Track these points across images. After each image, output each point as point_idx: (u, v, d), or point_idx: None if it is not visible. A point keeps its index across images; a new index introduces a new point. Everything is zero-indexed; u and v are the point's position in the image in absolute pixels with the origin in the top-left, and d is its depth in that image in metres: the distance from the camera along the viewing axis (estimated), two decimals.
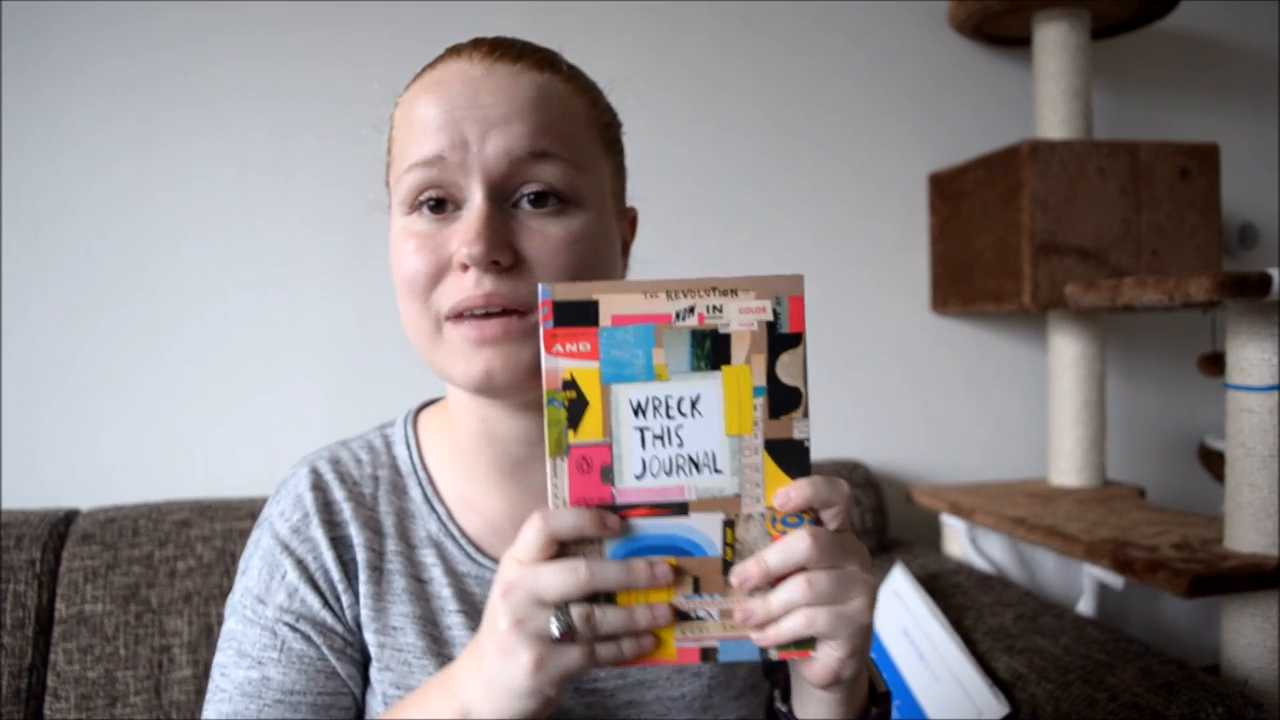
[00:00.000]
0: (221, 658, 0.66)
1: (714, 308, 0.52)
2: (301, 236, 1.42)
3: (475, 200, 0.59)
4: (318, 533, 0.66)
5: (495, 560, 0.68)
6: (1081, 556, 1.19)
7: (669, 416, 0.52)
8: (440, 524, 0.69)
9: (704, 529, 0.52)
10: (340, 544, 0.66)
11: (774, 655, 0.52)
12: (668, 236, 1.57)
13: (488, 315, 0.59)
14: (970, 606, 1.23)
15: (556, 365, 0.52)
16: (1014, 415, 1.69)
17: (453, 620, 0.66)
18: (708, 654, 0.52)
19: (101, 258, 1.37)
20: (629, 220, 0.71)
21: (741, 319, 0.52)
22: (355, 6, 1.44)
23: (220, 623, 1.11)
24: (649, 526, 0.52)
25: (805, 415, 0.52)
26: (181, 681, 1.09)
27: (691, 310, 0.52)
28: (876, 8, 1.63)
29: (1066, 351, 1.51)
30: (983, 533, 1.44)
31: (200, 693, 1.08)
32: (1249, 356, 1.09)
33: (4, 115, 1.34)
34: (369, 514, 0.68)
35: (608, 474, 0.52)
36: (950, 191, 1.59)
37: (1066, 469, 1.52)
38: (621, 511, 0.52)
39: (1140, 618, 1.39)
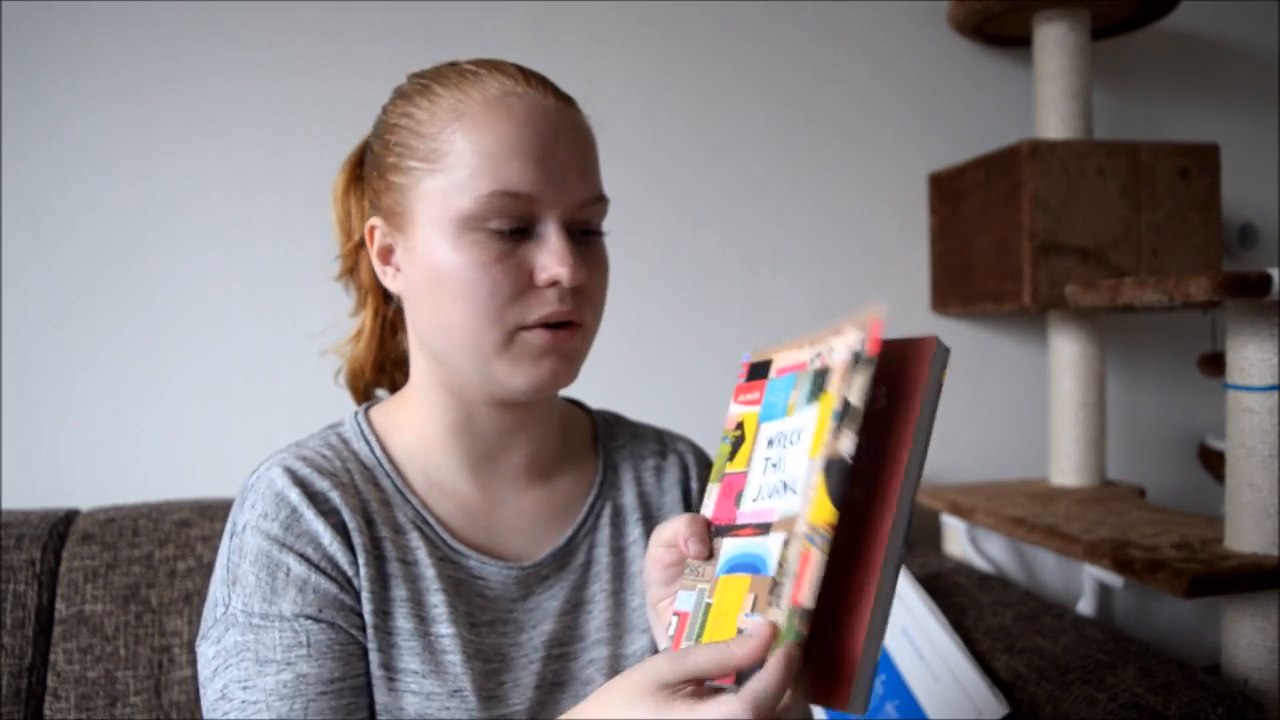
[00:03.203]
0: (236, 674, 0.63)
1: (830, 349, 0.56)
2: (302, 235, 1.42)
3: (555, 228, 0.66)
4: (315, 524, 0.66)
5: (471, 547, 0.72)
6: (1081, 556, 1.19)
7: (784, 446, 0.56)
8: (416, 512, 0.71)
9: (771, 547, 0.54)
10: (338, 530, 0.67)
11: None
12: (669, 236, 1.57)
13: (558, 326, 0.66)
14: (970, 606, 1.23)
15: (736, 411, 0.61)
16: (1014, 415, 1.69)
17: (436, 599, 0.69)
18: (741, 677, 0.51)
19: (101, 258, 1.37)
20: None
21: (840, 353, 0.55)
22: (357, 7, 1.44)
23: None
24: (747, 544, 0.56)
25: (854, 430, 0.51)
26: (181, 681, 1.09)
27: (818, 354, 0.57)
28: (876, 8, 1.63)
29: (1066, 351, 1.51)
30: (983, 533, 1.44)
31: None
32: (1249, 356, 1.09)
33: (5, 118, 1.34)
34: (355, 500, 0.69)
35: (739, 498, 0.58)
36: (950, 191, 1.59)
37: (1066, 469, 1.52)
38: (736, 531, 0.57)
39: (1140, 618, 1.39)
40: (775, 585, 0.51)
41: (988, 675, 1.09)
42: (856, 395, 0.52)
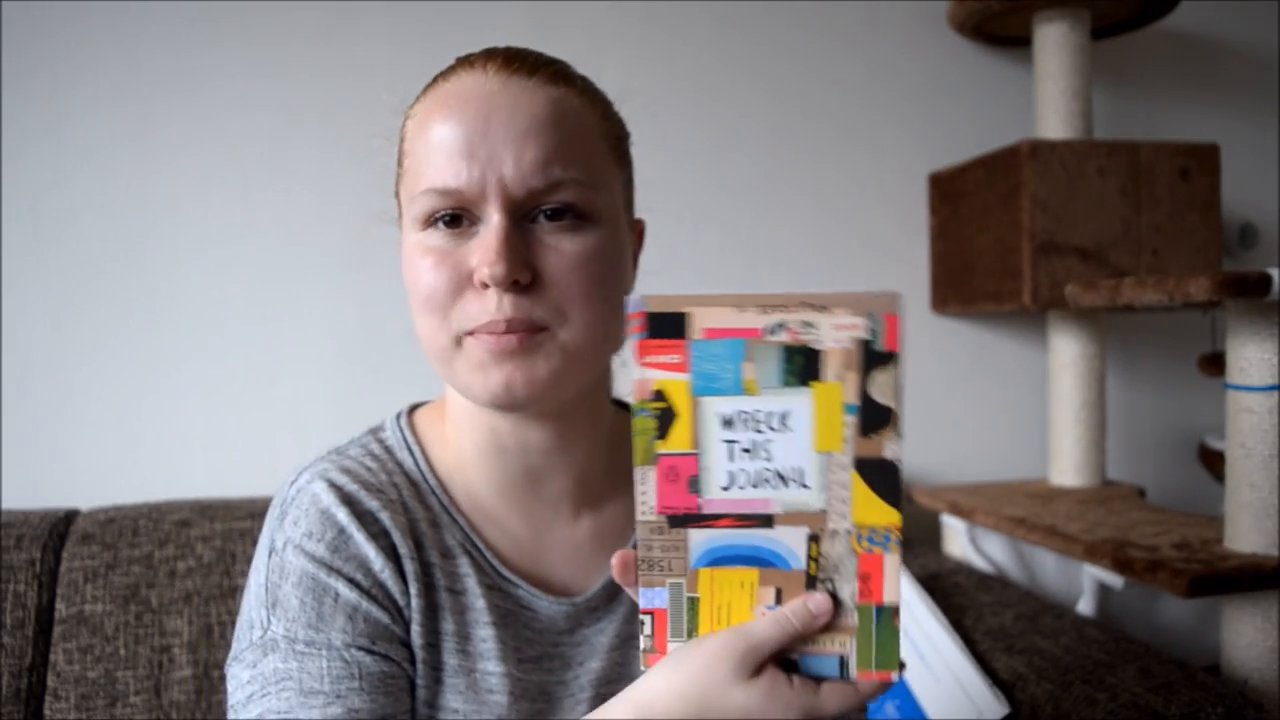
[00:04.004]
0: (275, 703, 0.58)
1: (806, 323, 0.51)
2: (302, 235, 1.42)
3: (494, 219, 0.59)
4: (365, 548, 0.61)
5: (522, 577, 0.66)
6: (1081, 556, 1.19)
7: (758, 431, 0.52)
8: (465, 535, 0.66)
9: (789, 542, 0.53)
10: (389, 555, 0.62)
11: (854, 674, 0.53)
12: (667, 238, 1.56)
13: (507, 330, 0.59)
14: (970, 606, 1.23)
15: (646, 376, 0.52)
16: (1014, 415, 1.69)
17: (485, 633, 0.64)
18: (789, 665, 0.53)
19: (101, 258, 1.37)
20: (637, 231, 0.71)
21: (835, 335, 0.51)
22: (357, 7, 1.44)
23: (222, 623, 1.11)
24: (734, 537, 0.53)
25: (898, 435, 0.52)
26: (181, 681, 1.09)
27: (783, 325, 0.51)
28: (876, 8, 1.63)
29: (1066, 351, 1.51)
30: (983, 533, 1.44)
31: (201, 693, 1.08)
32: (1249, 356, 1.08)
33: (5, 118, 1.34)
34: (404, 521, 0.64)
35: (695, 484, 0.53)
36: (950, 191, 1.59)
37: (1066, 469, 1.52)
38: (707, 521, 0.53)
39: (1140, 618, 1.39)
40: (814, 580, 0.53)
41: (988, 675, 1.09)
42: (890, 397, 0.51)
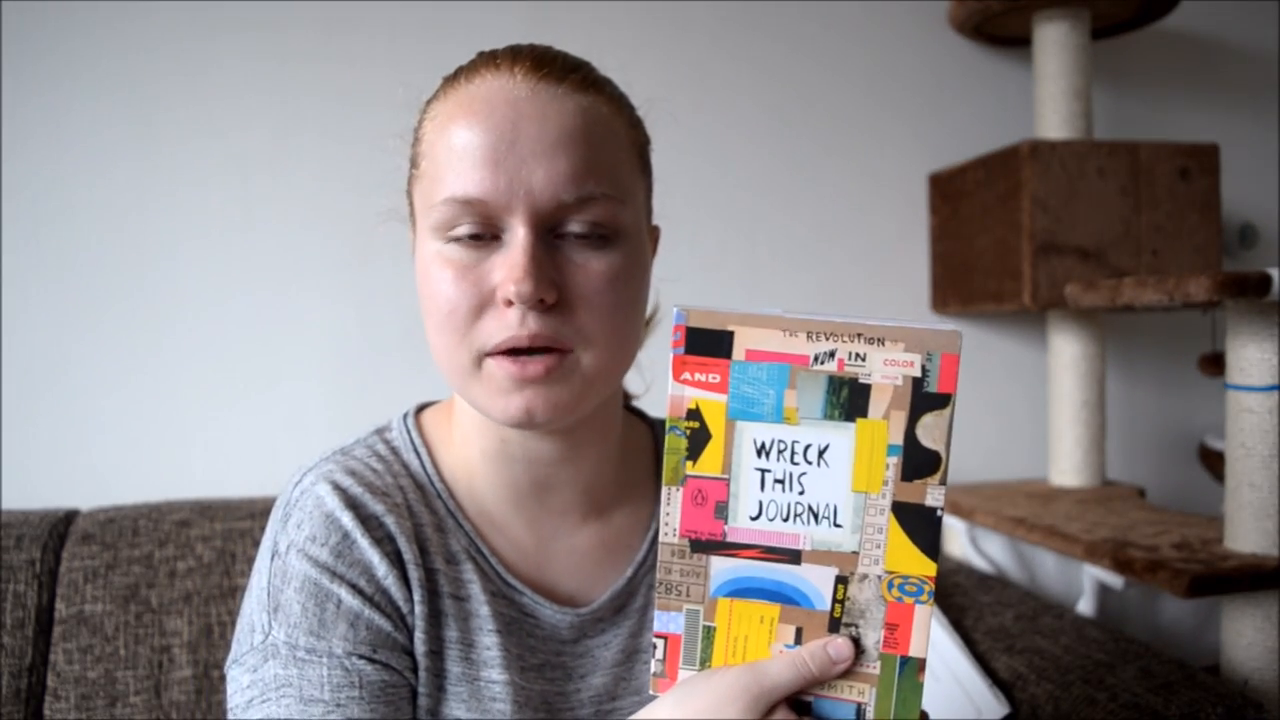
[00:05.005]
0: (275, 710, 0.57)
1: (857, 355, 0.49)
2: (302, 236, 1.42)
3: (519, 234, 0.57)
4: (369, 553, 0.60)
5: (526, 584, 0.66)
6: (1081, 556, 1.19)
7: (793, 462, 0.50)
8: (470, 540, 0.65)
9: (815, 581, 0.51)
10: (393, 561, 0.61)
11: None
12: (666, 238, 1.56)
13: (530, 352, 0.57)
14: (970, 606, 1.23)
15: (683, 393, 0.50)
16: (1014, 415, 1.69)
17: (489, 640, 0.63)
18: (802, 707, 0.52)
19: (101, 258, 1.37)
20: (653, 239, 0.71)
21: (885, 371, 0.49)
22: (356, 6, 1.44)
23: (222, 623, 1.11)
24: (758, 569, 0.51)
25: (942, 482, 0.49)
26: (181, 681, 1.09)
27: (832, 355, 0.49)
28: (876, 8, 1.63)
29: (1066, 351, 1.51)
30: (983, 533, 1.44)
31: (201, 693, 1.08)
32: (1249, 356, 1.09)
33: (4, 115, 1.34)
34: (409, 525, 0.63)
35: (722, 510, 0.51)
36: (950, 191, 1.59)
37: (1066, 469, 1.52)
38: (731, 550, 0.51)
39: (1140, 618, 1.39)
40: (838, 624, 0.51)
41: (988, 675, 1.09)
42: (939, 442, 0.49)
